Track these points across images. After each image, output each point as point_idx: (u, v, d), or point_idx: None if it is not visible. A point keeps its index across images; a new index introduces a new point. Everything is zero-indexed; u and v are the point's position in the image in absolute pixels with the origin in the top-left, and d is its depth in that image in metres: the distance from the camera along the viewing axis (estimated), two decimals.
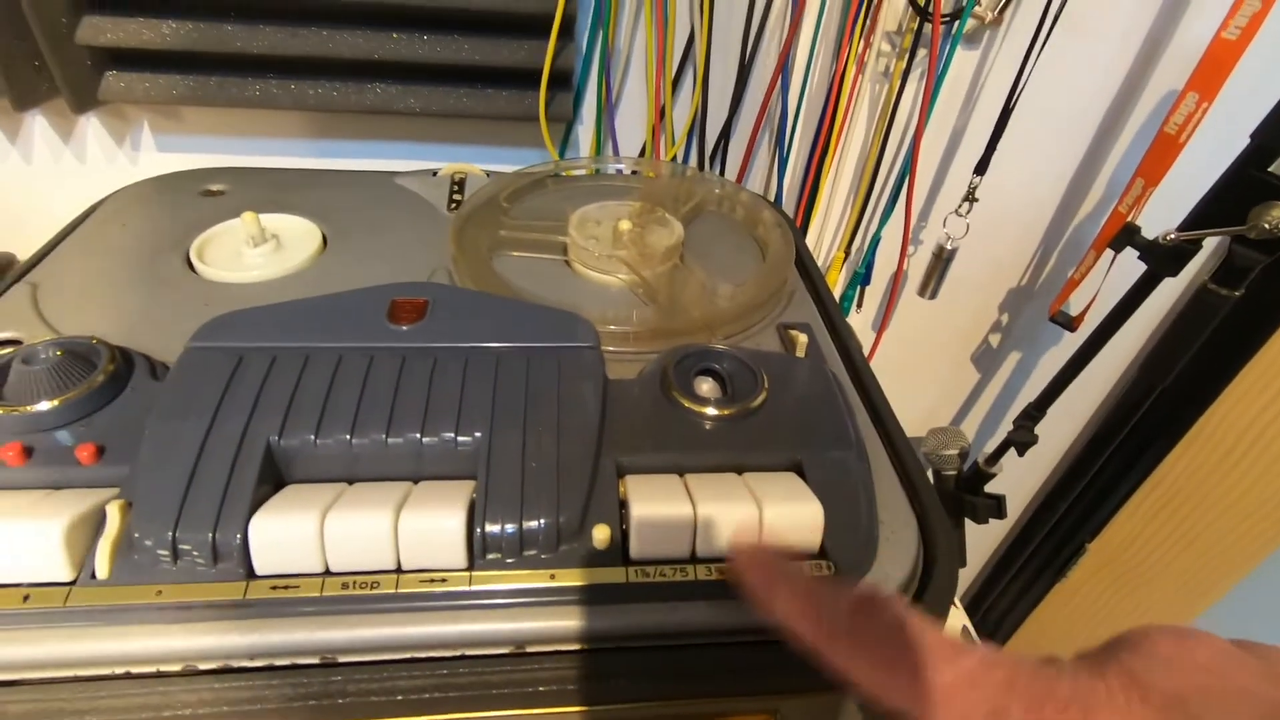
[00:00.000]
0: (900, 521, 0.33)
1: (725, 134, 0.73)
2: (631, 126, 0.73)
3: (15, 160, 0.68)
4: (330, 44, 0.60)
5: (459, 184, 0.57)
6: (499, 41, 0.63)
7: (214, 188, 0.54)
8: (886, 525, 0.32)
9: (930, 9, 0.64)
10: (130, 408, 0.33)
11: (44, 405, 0.31)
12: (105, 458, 0.30)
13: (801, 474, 0.33)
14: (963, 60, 0.72)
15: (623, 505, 0.31)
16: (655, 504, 0.29)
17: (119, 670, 0.26)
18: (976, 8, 0.65)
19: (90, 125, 0.68)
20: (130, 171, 0.70)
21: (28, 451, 0.30)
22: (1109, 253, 0.73)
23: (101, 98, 0.62)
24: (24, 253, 0.72)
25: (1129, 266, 0.71)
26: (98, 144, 0.69)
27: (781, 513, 0.29)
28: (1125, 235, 0.71)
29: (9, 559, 0.26)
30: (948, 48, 0.67)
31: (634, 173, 0.64)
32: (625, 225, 0.49)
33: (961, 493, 0.91)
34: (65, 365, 0.33)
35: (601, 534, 0.29)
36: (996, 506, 0.91)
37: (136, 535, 0.27)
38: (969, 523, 0.91)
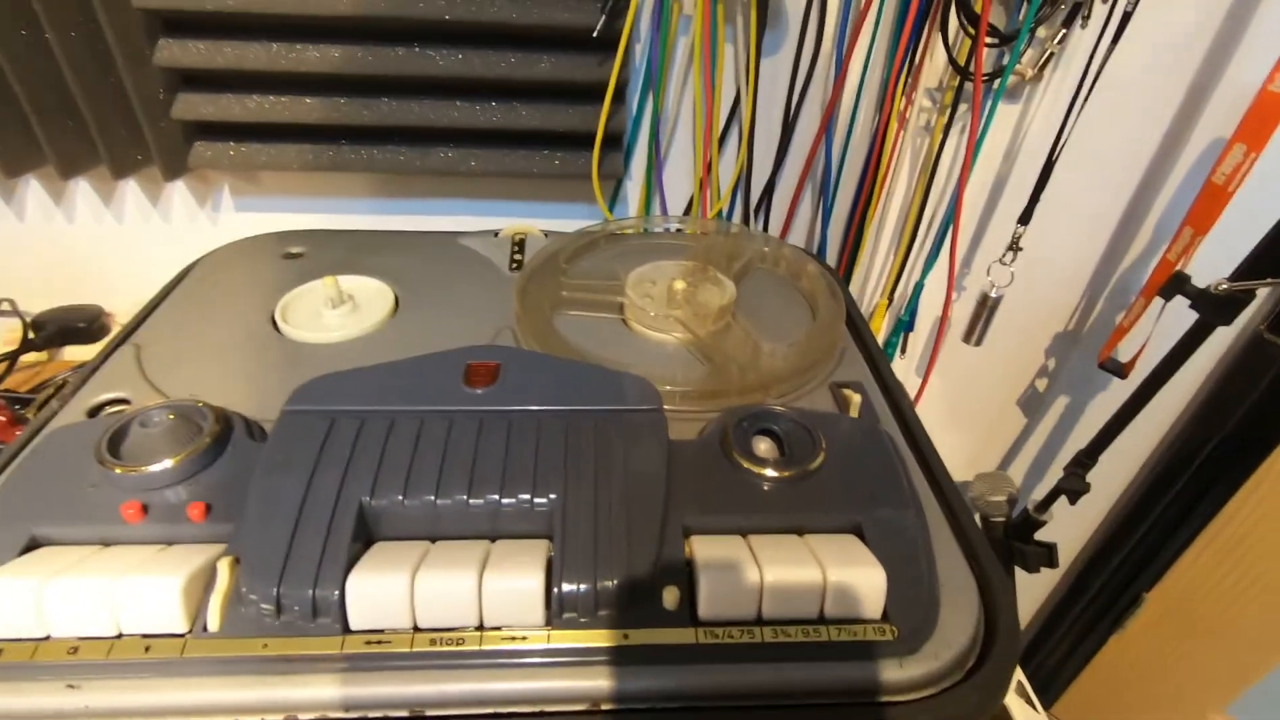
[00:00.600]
0: (959, 584, 0.34)
1: (769, 188, 0.76)
2: (678, 182, 0.76)
3: (109, 222, 0.74)
4: (399, 114, 0.65)
5: (519, 244, 0.60)
6: (555, 107, 0.67)
7: (294, 250, 0.58)
8: (946, 588, 0.33)
9: (971, 69, 0.66)
10: (232, 467, 0.36)
11: (159, 466, 0.34)
12: (212, 515, 0.33)
13: (861, 536, 0.34)
14: (1004, 114, 0.74)
15: (689, 565, 0.32)
16: (722, 568, 0.31)
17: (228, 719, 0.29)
18: (1017, 66, 0.67)
19: (176, 189, 0.73)
20: (210, 231, 0.75)
21: (145, 509, 0.33)
22: (1158, 300, 0.73)
23: (191, 165, 0.67)
24: (109, 303, 0.77)
25: (1180, 314, 0.70)
26: (183, 206, 0.74)
27: (845, 577, 0.30)
28: (1175, 284, 0.70)
29: (133, 611, 0.29)
30: (989, 104, 0.69)
31: (679, 230, 0.66)
32: (679, 285, 0.52)
33: (1011, 540, 0.90)
34: (176, 428, 0.36)
35: (671, 596, 0.30)
36: (1048, 555, 0.89)
37: (244, 590, 0.30)
38: (1019, 571, 0.90)
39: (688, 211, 0.77)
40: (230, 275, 0.55)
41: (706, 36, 0.64)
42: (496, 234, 0.62)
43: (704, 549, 0.32)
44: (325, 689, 0.28)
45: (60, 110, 0.63)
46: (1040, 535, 0.88)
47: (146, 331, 0.48)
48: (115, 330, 0.77)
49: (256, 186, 0.74)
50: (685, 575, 0.32)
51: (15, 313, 0.74)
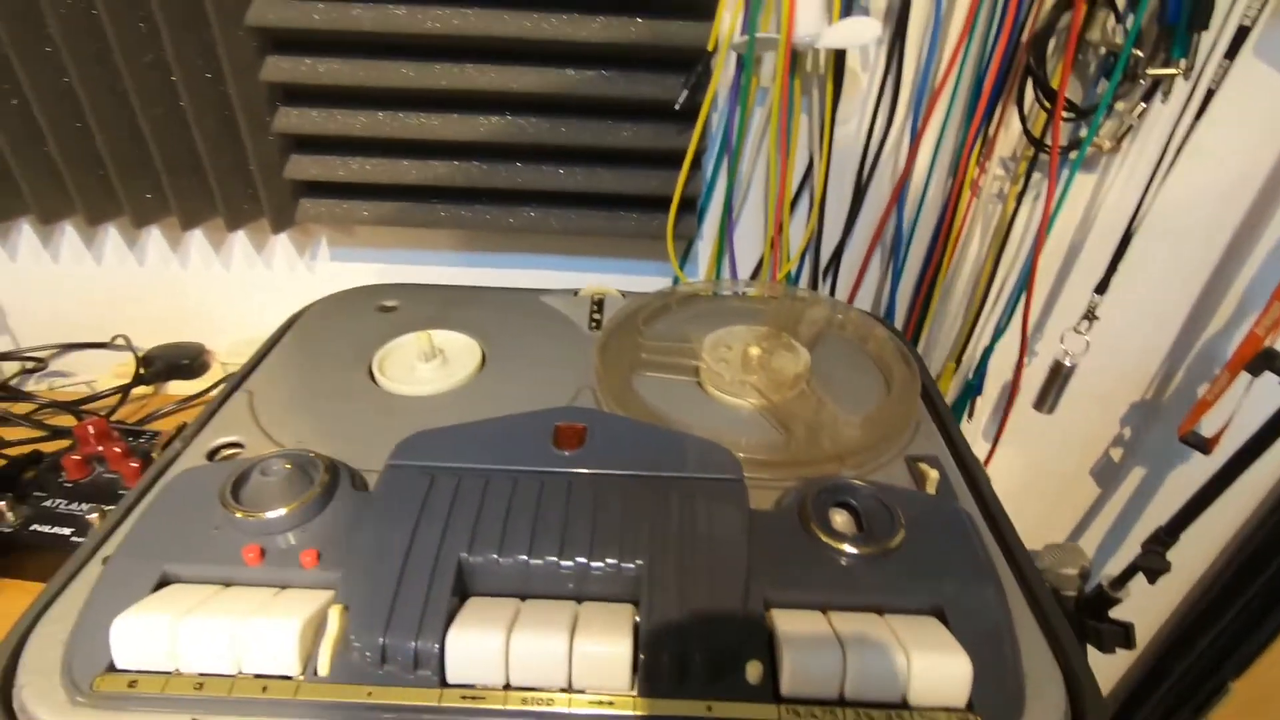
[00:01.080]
0: (1044, 675, 0.33)
1: (838, 252, 0.77)
2: (749, 243, 0.78)
3: (218, 269, 0.80)
4: (488, 176, 0.69)
5: (598, 304, 0.62)
6: (634, 172, 0.70)
7: (387, 303, 0.62)
8: (1031, 679, 0.33)
9: (1047, 140, 0.67)
10: (339, 514, 0.38)
11: (275, 513, 0.37)
12: (323, 562, 0.35)
13: (943, 619, 0.34)
14: (1080, 183, 0.74)
15: (771, 639, 0.33)
16: (805, 644, 0.31)
17: None
18: (1095, 139, 0.67)
19: (280, 240, 0.79)
20: (307, 279, 0.81)
21: (263, 553, 0.35)
22: (1244, 375, 0.71)
23: (297, 220, 0.72)
24: (210, 342, 0.83)
25: (1269, 389, 0.68)
26: (284, 255, 0.80)
27: (930, 663, 0.31)
28: (1264, 359, 0.68)
29: (254, 652, 0.31)
30: (1065, 174, 0.69)
31: (744, 293, 0.67)
32: (754, 350, 0.53)
33: (1083, 616, 0.86)
34: (292, 476, 0.38)
35: (755, 670, 0.31)
36: (1124, 635, 0.85)
37: (352, 638, 0.32)
38: (1092, 651, 0.86)
39: (756, 272, 0.79)
40: (331, 326, 0.59)
41: (784, 107, 0.67)
42: (576, 293, 0.64)
43: (786, 624, 0.33)
44: None
45: (188, 169, 0.69)
46: (1116, 613, 0.84)
47: (257, 379, 0.52)
48: (214, 367, 0.82)
49: (351, 238, 0.80)
50: (767, 649, 0.32)
51: (129, 348, 0.81)
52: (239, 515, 0.37)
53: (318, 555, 0.35)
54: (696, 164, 0.71)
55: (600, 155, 0.70)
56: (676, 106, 0.64)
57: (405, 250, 0.80)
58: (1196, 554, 0.95)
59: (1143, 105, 0.66)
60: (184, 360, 0.81)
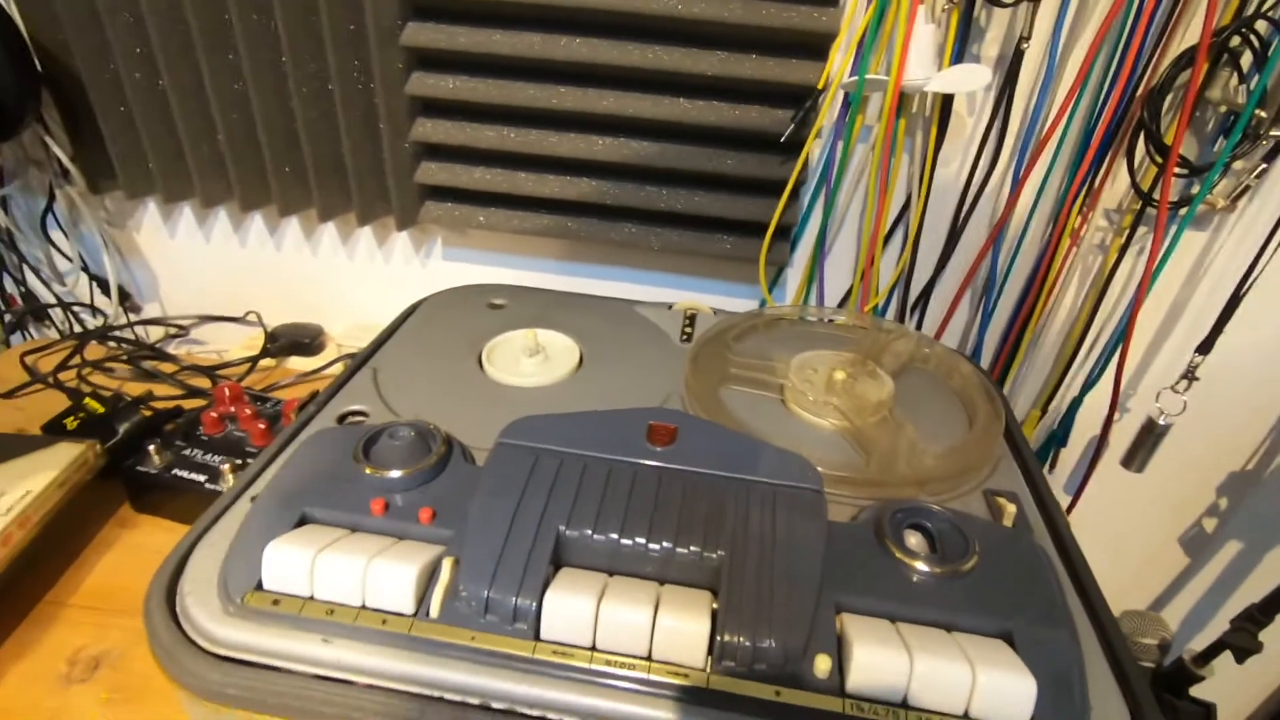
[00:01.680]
0: (1111, 713, 0.34)
1: (928, 290, 0.78)
2: (839, 274, 0.80)
3: (343, 258, 0.88)
4: (597, 192, 0.74)
5: (690, 319, 0.66)
6: (734, 198, 0.73)
7: (497, 301, 0.67)
8: (1097, 715, 0.34)
9: (1156, 195, 0.66)
10: (451, 482, 0.43)
11: (399, 472, 0.41)
12: (437, 520, 0.40)
13: (1012, 645, 0.35)
14: (1189, 239, 0.72)
15: (839, 641, 0.35)
16: (875, 645, 0.33)
17: (435, 694, 0.34)
18: (1208, 197, 0.66)
19: (400, 237, 0.86)
20: (420, 275, 0.88)
21: (387, 506, 0.40)
22: None
23: (420, 220, 0.79)
24: (329, 324, 0.91)
25: None
26: (402, 251, 0.87)
27: (995, 680, 0.32)
28: None
29: (377, 589, 0.35)
30: (1173, 230, 0.68)
31: (834, 321, 0.69)
32: (840, 375, 0.55)
33: (1161, 691, 0.83)
34: (415, 443, 0.43)
35: (824, 664, 0.33)
36: (1205, 715, 0.81)
37: (461, 588, 0.36)
38: None
39: (844, 303, 0.80)
40: (447, 316, 0.65)
41: (886, 146, 0.69)
42: (670, 307, 0.68)
43: (856, 625, 0.35)
44: (517, 685, 0.33)
45: (333, 169, 0.77)
46: (1197, 691, 0.80)
47: (381, 357, 0.58)
48: (329, 347, 0.90)
49: (464, 240, 0.86)
50: (835, 648, 0.34)
51: (260, 324, 0.89)
52: (368, 471, 0.41)
53: (433, 513, 0.40)
54: (795, 195, 0.73)
55: (704, 180, 0.73)
56: (782, 139, 0.67)
57: (511, 255, 0.86)
58: None
59: (1264, 166, 0.65)
60: (304, 339, 0.89)
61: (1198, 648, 0.79)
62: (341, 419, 0.51)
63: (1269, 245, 0.66)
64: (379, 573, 0.35)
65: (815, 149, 0.73)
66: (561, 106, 0.69)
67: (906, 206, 0.75)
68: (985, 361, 0.81)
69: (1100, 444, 0.81)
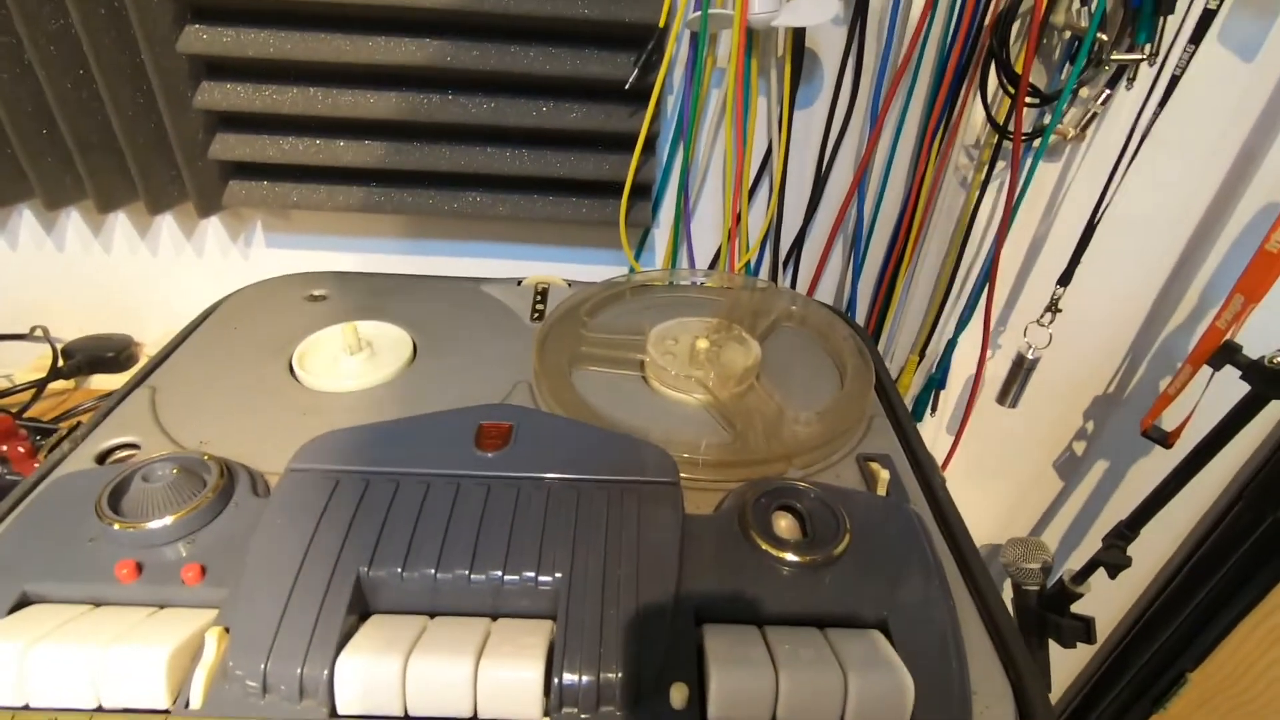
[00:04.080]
0: (994, 693, 0.31)
1: (799, 241, 0.74)
2: (707, 233, 0.75)
3: (144, 255, 0.75)
4: (430, 158, 0.65)
5: (542, 294, 0.59)
6: (585, 155, 0.67)
7: (317, 293, 0.58)
8: (979, 696, 0.31)
9: (1010, 127, 0.65)
10: (233, 524, 0.35)
11: (158, 523, 0.33)
12: (208, 577, 0.32)
13: (886, 632, 0.32)
14: (1044, 171, 0.72)
15: (700, 657, 0.30)
16: (736, 666, 0.29)
17: None
18: (1059, 126, 0.65)
19: (210, 225, 0.74)
20: (242, 266, 0.76)
21: (140, 568, 0.32)
22: (1206, 369, 0.70)
23: (225, 203, 0.68)
24: (140, 334, 0.78)
25: (1229, 384, 0.67)
26: (215, 242, 0.75)
27: (869, 683, 0.28)
28: (1224, 353, 0.67)
29: (115, 684, 0.28)
30: (1028, 162, 0.67)
31: (704, 284, 0.65)
32: (702, 344, 0.50)
33: (1045, 611, 0.86)
34: (179, 482, 0.35)
35: (680, 694, 0.28)
36: (1085, 630, 0.84)
37: (231, 665, 0.28)
38: (1053, 645, 0.85)
39: (715, 262, 0.76)
40: (252, 317, 0.55)
41: (740, 89, 0.64)
42: (519, 283, 0.61)
43: (717, 643, 0.30)
44: None
45: (103, 147, 0.64)
46: (1077, 607, 0.84)
47: (164, 374, 0.48)
48: (143, 360, 0.77)
49: (288, 224, 0.75)
50: (695, 669, 0.30)
51: (47, 340, 0.75)
52: (116, 526, 0.33)
53: (202, 570, 0.32)
54: (650, 148, 0.67)
55: (548, 137, 0.66)
56: (627, 86, 0.61)
57: (347, 238, 0.76)
58: (1156, 548, 0.95)
59: (1107, 92, 0.64)
60: (108, 353, 0.76)
61: (1075, 567, 0.82)
62: (103, 458, 0.41)
63: (1115, 173, 0.66)
64: (116, 662, 0.28)
65: (667, 97, 0.67)
66: (373, 59, 0.60)
67: (769, 155, 0.70)
68: (861, 310, 0.79)
69: (976, 384, 0.81)
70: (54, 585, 0.31)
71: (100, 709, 0.28)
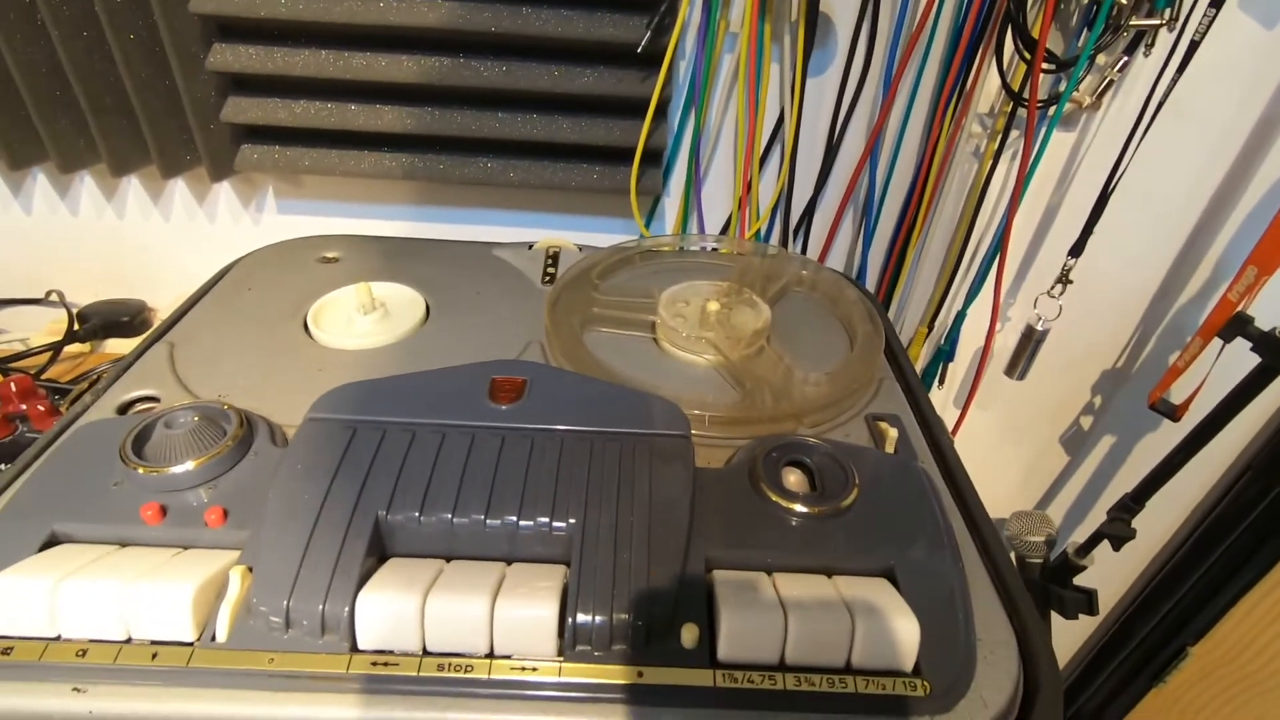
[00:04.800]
0: (998, 640, 0.32)
1: (810, 210, 0.74)
2: (717, 200, 0.75)
3: (156, 220, 0.76)
4: (442, 123, 0.65)
5: (553, 258, 0.59)
6: (596, 121, 0.66)
7: (330, 255, 0.58)
8: (984, 643, 0.31)
9: (1025, 94, 0.64)
10: (253, 471, 0.35)
11: (181, 468, 0.34)
12: (230, 520, 0.33)
13: (893, 581, 0.32)
14: (1058, 141, 0.71)
15: (711, 601, 0.31)
16: (745, 608, 0.29)
17: None
18: (1075, 94, 0.65)
19: (222, 190, 0.74)
20: (253, 231, 0.77)
21: (164, 511, 0.33)
22: (1217, 341, 0.70)
23: (237, 168, 0.68)
24: (153, 298, 0.79)
25: (1239, 356, 0.67)
26: (227, 207, 0.75)
27: (875, 627, 0.29)
28: (1236, 325, 0.67)
29: (143, 617, 0.28)
30: (1043, 131, 0.67)
31: (715, 249, 0.65)
32: (713, 306, 0.50)
33: (1048, 583, 0.86)
34: (201, 429, 0.35)
35: (690, 634, 0.29)
36: (1087, 602, 0.85)
37: (255, 601, 0.29)
38: (1055, 617, 0.86)
39: (725, 230, 0.76)
40: (266, 277, 0.55)
41: (752, 55, 0.64)
42: (530, 246, 0.61)
43: (726, 586, 0.31)
44: (328, 709, 0.28)
45: (116, 110, 0.65)
46: (1080, 580, 0.84)
47: (181, 330, 0.49)
48: (157, 324, 0.78)
49: (299, 190, 0.75)
50: (705, 612, 0.30)
51: (63, 304, 0.76)
52: (140, 470, 0.34)
53: (224, 513, 0.33)
54: (662, 114, 0.67)
55: (560, 102, 0.66)
56: (639, 50, 0.61)
57: (358, 204, 0.76)
58: (1161, 521, 0.95)
59: (1125, 59, 0.63)
60: (123, 317, 0.76)
61: (1080, 540, 0.83)
62: (124, 409, 0.42)
63: (1130, 142, 0.66)
64: (143, 597, 0.28)
65: (679, 62, 0.66)
66: (385, 21, 0.59)
67: (781, 122, 0.70)
68: (870, 280, 0.79)
69: (984, 355, 0.81)
70: (81, 526, 0.32)
71: (129, 641, 0.29)
